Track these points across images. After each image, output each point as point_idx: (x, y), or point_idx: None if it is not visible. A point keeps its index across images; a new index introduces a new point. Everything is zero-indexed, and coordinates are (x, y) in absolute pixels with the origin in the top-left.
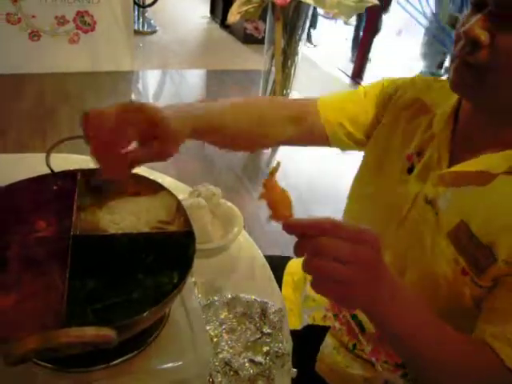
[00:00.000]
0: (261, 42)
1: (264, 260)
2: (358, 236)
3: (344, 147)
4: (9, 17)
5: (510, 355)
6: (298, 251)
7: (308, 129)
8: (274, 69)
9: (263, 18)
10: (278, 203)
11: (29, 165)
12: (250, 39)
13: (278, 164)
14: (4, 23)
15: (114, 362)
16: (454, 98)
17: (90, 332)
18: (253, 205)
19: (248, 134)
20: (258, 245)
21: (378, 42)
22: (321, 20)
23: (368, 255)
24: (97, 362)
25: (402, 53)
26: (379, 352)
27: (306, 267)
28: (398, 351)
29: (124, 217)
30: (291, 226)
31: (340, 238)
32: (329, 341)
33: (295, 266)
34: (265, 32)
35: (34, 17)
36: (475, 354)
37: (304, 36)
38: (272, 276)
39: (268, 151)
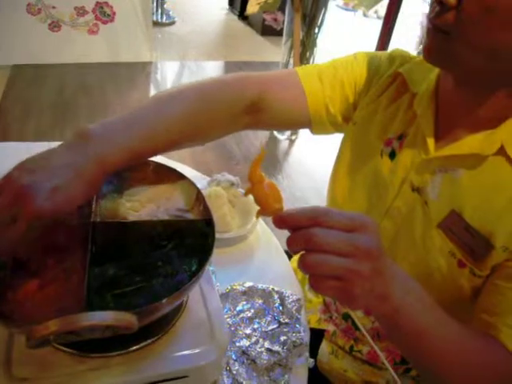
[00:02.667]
0: (279, 33)
1: (282, 250)
2: (354, 223)
3: (324, 132)
4: (29, 7)
5: None
6: (291, 246)
7: (272, 115)
8: (292, 60)
9: (282, 9)
10: (266, 196)
11: None
12: (268, 31)
13: (263, 153)
14: (24, 14)
15: (132, 348)
16: (433, 74)
17: (111, 316)
18: None
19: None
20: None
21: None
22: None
23: (368, 244)
24: (115, 347)
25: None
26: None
27: (301, 264)
28: (409, 352)
29: (143, 204)
30: (282, 219)
31: (334, 227)
32: (324, 346)
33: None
34: (283, 23)
35: (54, 7)
36: (491, 350)
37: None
38: (290, 266)
39: (286, 139)
